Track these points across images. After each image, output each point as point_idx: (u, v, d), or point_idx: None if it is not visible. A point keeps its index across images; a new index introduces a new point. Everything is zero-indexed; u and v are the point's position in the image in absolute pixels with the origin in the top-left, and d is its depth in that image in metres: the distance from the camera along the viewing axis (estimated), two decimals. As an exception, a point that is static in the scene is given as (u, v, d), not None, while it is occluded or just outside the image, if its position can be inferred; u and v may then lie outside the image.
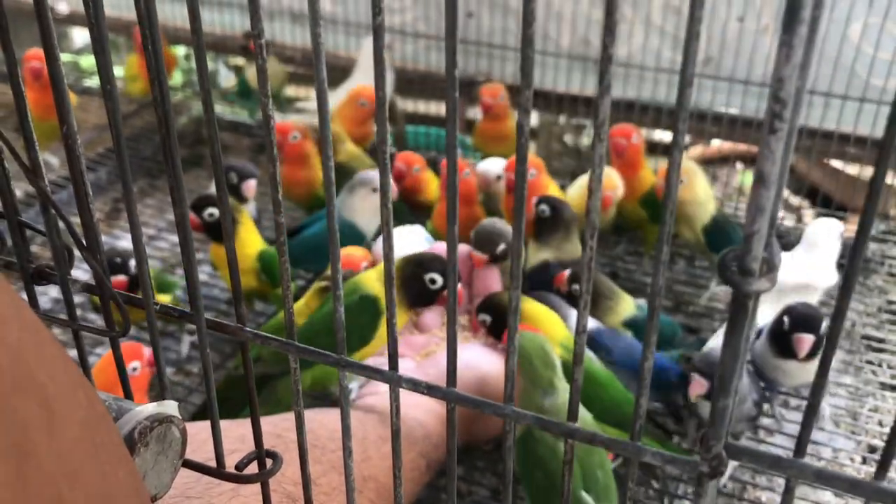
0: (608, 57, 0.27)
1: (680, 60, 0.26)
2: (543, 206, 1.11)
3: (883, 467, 0.31)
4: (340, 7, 1.69)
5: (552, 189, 1.22)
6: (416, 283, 0.87)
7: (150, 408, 0.41)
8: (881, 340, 1.23)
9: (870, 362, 1.19)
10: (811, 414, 0.32)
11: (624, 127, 1.21)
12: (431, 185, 1.29)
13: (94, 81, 2.16)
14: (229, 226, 0.36)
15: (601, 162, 0.29)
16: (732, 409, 0.31)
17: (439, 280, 0.88)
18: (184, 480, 0.50)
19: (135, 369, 0.88)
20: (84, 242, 0.39)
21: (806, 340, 0.89)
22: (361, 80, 1.54)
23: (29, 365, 0.24)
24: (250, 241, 1.09)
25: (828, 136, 1.40)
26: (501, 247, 1.00)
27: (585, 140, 1.90)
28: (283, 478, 0.57)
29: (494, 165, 1.26)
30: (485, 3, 1.57)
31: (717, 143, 1.84)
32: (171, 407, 0.42)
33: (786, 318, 0.92)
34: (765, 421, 1.07)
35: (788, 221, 1.49)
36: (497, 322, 0.91)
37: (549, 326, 0.92)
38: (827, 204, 1.46)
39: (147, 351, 0.89)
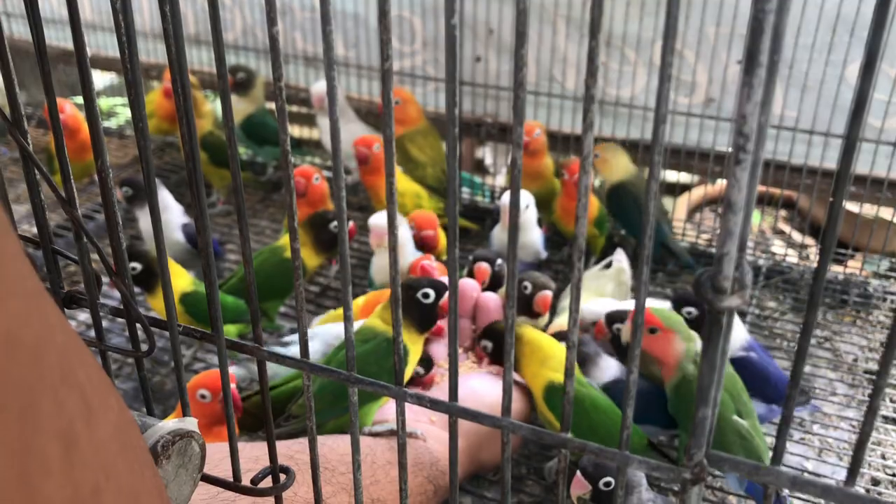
0: (591, 97, 0.30)
1: (682, 101, 0.29)
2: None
3: (852, 473, 0.33)
4: (353, 51, 1.74)
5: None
6: (413, 305, 0.91)
7: (171, 423, 0.44)
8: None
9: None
10: (786, 424, 0.34)
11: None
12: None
13: (111, 122, 2.23)
14: (248, 250, 0.39)
15: (586, 192, 0.32)
16: (713, 420, 0.34)
17: (431, 293, 0.92)
18: (201, 496, 0.53)
19: (203, 397, 0.91)
20: (114, 268, 0.42)
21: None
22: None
23: (72, 364, 0.27)
24: (175, 285, 1.13)
25: (828, 174, 1.43)
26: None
27: (597, 180, 1.93)
28: (296, 497, 0.60)
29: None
30: (492, 47, 1.62)
31: (721, 183, 1.87)
32: (191, 423, 0.45)
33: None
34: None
35: (791, 258, 1.52)
36: (498, 348, 0.95)
37: (551, 350, 0.94)
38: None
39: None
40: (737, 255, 0.30)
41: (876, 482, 1.07)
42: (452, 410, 0.38)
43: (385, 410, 0.95)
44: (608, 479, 0.80)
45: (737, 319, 1.02)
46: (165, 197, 1.35)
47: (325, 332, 1.03)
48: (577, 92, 1.59)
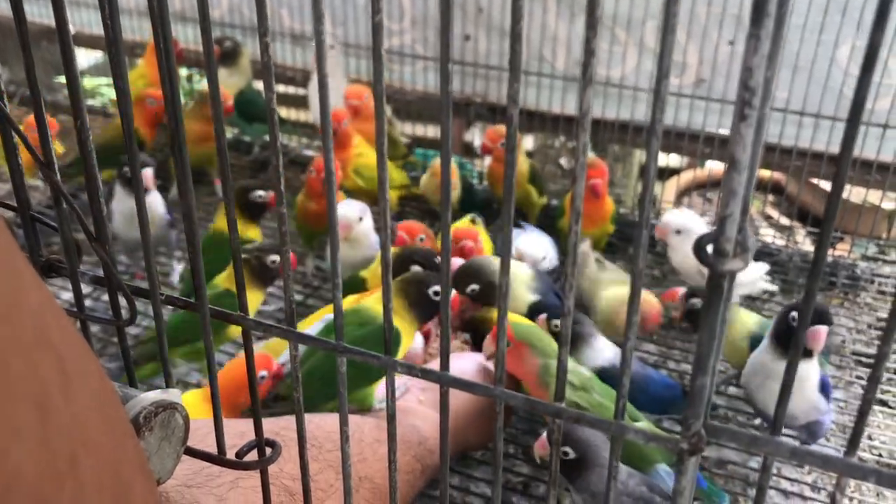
0: (589, 78, 0.29)
1: (673, 82, 0.28)
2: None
3: (853, 444, 0.33)
4: (341, 29, 1.72)
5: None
6: (422, 299, 0.92)
7: (154, 394, 0.42)
8: (871, 356, 1.24)
9: (860, 377, 1.21)
10: (785, 394, 0.33)
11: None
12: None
13: (95, 101, 2.20)
14: (233, 214, 0.38)
15: (580, 196, 0.31)
16: (711, 388, 0.33)
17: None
18: (185, 471, 0.52)
19: (262, 377, 0.92)
20: (94, 234, 0.41)
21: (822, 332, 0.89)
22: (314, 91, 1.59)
23: (48, 328, 0.26)
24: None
25: (818, 156, 1.42)
26: (472, 287, 1.02)
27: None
28: (282, 473, 0.59)
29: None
30: (482, 26, 1.61)
31: (710, 166, 1.87)
32: (174, 395, 0.44)
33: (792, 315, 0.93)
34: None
35: (780, 241, 1.52)
36: (477, 336, 0.95)
37: (537, 335, 0.93)
38: (817, 224, 1.48)
39: (275, 364, 0.93)
40: (740, 216, 0.29)
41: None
42: (444, 380, 0.37)
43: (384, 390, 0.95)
44: (567, 448, 0.80)
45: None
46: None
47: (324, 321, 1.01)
48: (568, 72, 1.58)
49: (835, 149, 1.40)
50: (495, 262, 1.05)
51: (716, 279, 0.30)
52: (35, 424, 0.23)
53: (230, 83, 1.60)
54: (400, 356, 0.94)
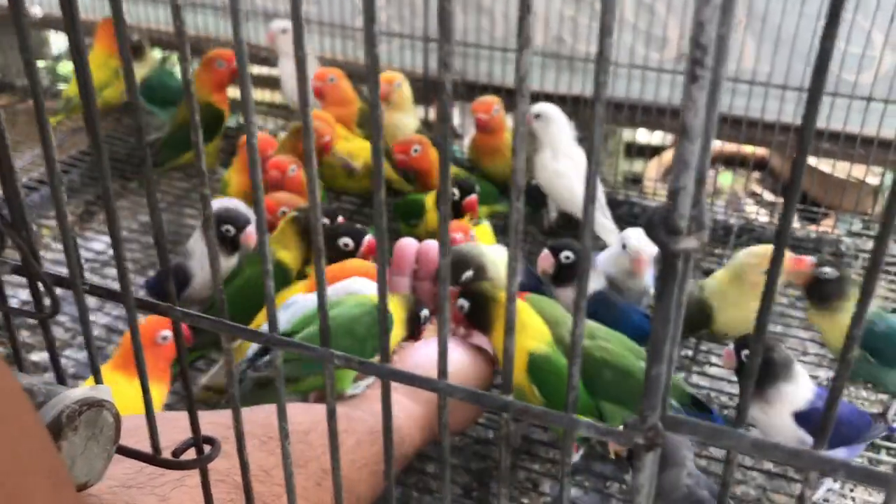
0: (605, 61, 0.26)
1: (654, 57, 0.25)
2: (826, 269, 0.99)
3: (822, 436, 0.30)
4: (315, 7, 1.68)
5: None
6: None
7: (80, 391, 0.39)
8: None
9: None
10: (747, 385, 0.31)
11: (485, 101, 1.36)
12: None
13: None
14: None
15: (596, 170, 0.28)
16: (668, 378, 0.30)
17: None
18: (125, 470, 0.49)
19: (164, 338, 0.90)
20: (8, 218, 0.38)
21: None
22: (288, 66, 1.54)
23: None
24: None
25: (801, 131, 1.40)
26: (467, 274, 0.99)
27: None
28: (233, 469, 0.56)
29: None
30: (458, 2, 1.57)
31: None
32: (103, 391, 0.41)
33: None
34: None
35: (763, 218, 1.49)
36: (476, 308, 0.90)
37: (528, 317, 0.90)
38: (803, 201, 1.46)
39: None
40: (694, 189, 0.27)
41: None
42: (382, 372, 0.34)
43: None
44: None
45: (802, 372, 0.90)
46: None
47: (305, 302, 0.98)
48: (546, 47, 1.54)
49: (818, 123, 1.38)
50: (481, 246, 1.03)
51: (669, 259, 0.27)
52: None
53: (139, 75, 1.56)
54: (394, 342, 0.91)
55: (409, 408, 0.86)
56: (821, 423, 0.30)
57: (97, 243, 1.41)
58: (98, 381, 0.41)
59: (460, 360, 0.93)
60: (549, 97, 1.56)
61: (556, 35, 1.53)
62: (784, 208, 0.28)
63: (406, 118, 1.41)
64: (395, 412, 0.83)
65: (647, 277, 1.08)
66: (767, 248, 1.00)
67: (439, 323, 0.32)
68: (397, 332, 0.90)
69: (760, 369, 0.89)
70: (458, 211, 1.22)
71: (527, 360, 0.88)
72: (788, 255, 1.01)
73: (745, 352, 0.89)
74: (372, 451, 0.75)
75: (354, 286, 0.97)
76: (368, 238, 1.07)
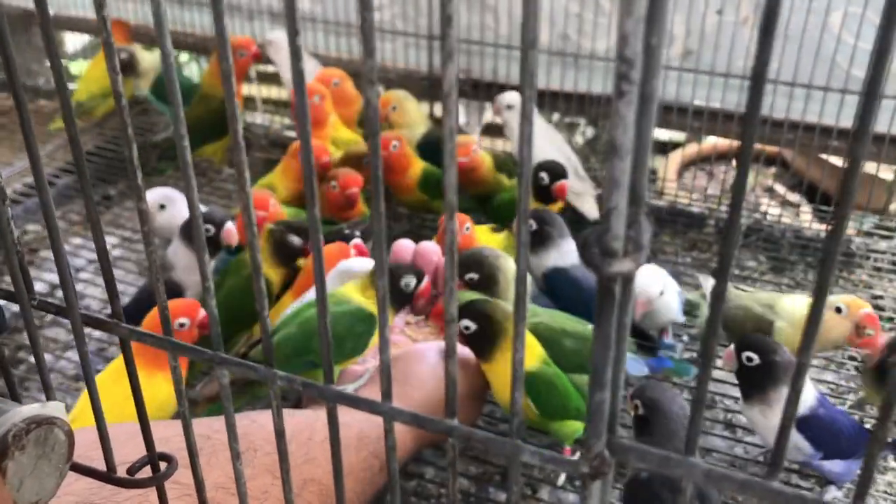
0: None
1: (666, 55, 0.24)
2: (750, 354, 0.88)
3: (774, 465, 0.29)
4: (319, 6, 1.67)
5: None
6: (392, 291, 0.89)
7: (29, 409, 0.39)
8: (864, 336, 1.19)
9: (853, 358, 1.16)
10: (699, 409, 0.29)
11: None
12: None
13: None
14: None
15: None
16: (615, 404, 0.29)
17: (412, 283, 0.92)
18: (88, 485, 0.48)
19: (182, 325, 0.89)
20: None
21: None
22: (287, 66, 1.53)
23: None
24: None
25: (809, 129, 1.37)
26: (471, 276, 0.98)
27: (579, 138, 1.87)
28: (205, 483, 0.55)
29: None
30: (462, 1, 1.55)
31: (712, 141, 1.81)
32: (54, 408, 0.40)
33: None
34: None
35: (786, 219, 1.46)
36: (480, 329, 0.85)
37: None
38: (826, 201, 1.42)
39: (202, 312, 0.90)
40: (629, 209, 0.25)
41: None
42: (327, 395, 0.33)
43: (350, 371, 0.91)
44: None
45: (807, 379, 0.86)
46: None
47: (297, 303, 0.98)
48: (552, 46, 1.52)
49: (828, 120, 1.35)
50: (503, 257, 1.01)
51: (605, 283, 0.26)
52: None
53: (141, 86, 1.55)
54: (373, 342, 0.91)
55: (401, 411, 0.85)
56: (776, 451, 0.29)
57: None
58: (50, 396, 0.40)
59: (459, 362, 0.91)
60: (555, 94, 1.54)
61: (562, 32, 1.51)
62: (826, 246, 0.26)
63: (411, 132, 1.39)
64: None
65: (674, 308, 1.04)
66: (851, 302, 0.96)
67: (381, 343, 0.31)
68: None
69: (763, 371, 0.87)
70: (547, 196, 1.18)
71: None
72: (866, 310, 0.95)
73: (746, 353, 0.87)
74: (359, 458, 0.74)
75: (353, 266, 0.97)
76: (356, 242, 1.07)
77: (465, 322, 0.85)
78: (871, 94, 0.23)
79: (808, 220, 1.43)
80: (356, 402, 0.33)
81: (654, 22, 0.23)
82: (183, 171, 0.32)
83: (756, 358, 0.86)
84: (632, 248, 0.26)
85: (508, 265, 0.99)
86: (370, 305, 0.89)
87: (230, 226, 1.06)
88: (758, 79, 0.24)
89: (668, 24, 0.23)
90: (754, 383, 0.87)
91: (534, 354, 0.88)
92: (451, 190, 0.27)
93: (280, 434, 0.35)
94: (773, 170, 1.86)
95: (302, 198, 1.23)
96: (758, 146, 1.53)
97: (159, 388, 0.86)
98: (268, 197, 1.13)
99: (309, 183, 0.30)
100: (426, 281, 0.94)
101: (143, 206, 0.32)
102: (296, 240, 1.04)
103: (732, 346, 0.88)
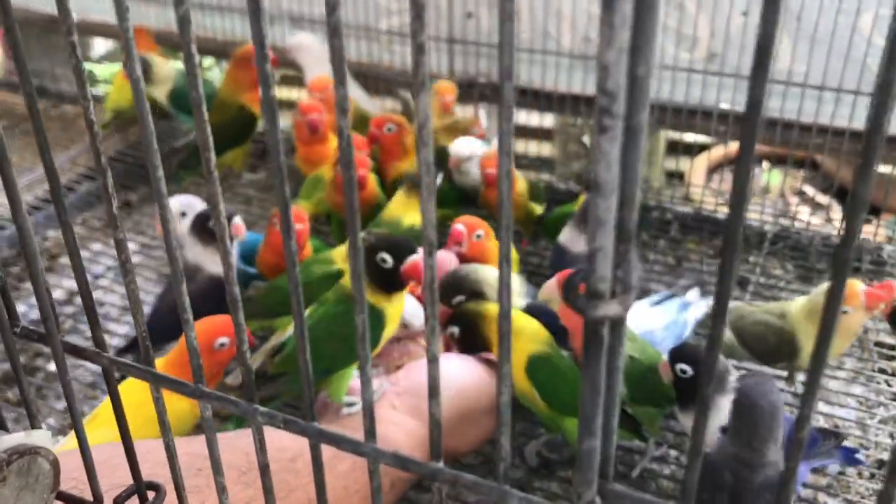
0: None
1: (684, 57, 0.22)
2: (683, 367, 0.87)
3: (684, 498, 0.27)
4: (340, 10, 1.66)
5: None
6: (376, 270, 0.83)
7: (11, 439, 0.38)
8: (894, 348, 1.16)
9: (882, 371, 1.13)
10: (695, 456, 0.27)
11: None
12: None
13: (103, 89, 2.17)
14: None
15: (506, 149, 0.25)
16: (607, 450, 0.27)
17: (389, 259, 0.83)
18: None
19: (223, 345, 0.88)
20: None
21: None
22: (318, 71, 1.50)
23: None
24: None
25: (839, 133, 1.33)
26: (458, 298, 0.96)
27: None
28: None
29: (465, 146, 1.25)
30: (483, 4, 1.53)
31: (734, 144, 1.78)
32: (40, 437, 0.39)
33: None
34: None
35: (816, 220, 1.42)
36: (467, 333, 0.87)
37: (520, 322, 0.87)
38: (842, 197, 1.39)
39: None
40: (617, 247, 0.23)
41: (881, 464, 1.00)
42: (309, 432, 0.31)
43: (357, 384, 0.89)
44: (684, 366, 0.84)
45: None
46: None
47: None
48: (574, 49, 1.50)
49: (858, 125, 1.31)
50: (481, 269, 0.98)
51: (591, 327, 0.24)
52: None
53: (155, 94, 1.53)
54: (390, 328, 0.86)
55: (411, 426, 0.83)
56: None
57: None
58: (34, 425, 0.40)
59: (478, 373, 0.89)
60: (576, 98, 1.52)
61: (584, 35, 1.49)
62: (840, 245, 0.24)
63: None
64: (395, 432, 0.81)
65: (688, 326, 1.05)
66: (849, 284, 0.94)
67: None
68: (394, 318, 0.86)
69: (695, 379, 0.84)
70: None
71: (526, 361, 0.85)
72: (861, 288, 0.95)
73: (680, 366, 0.86)
74: (365, 476, 0.73)
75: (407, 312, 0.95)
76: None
77: (451, 329, 0.89)
78: (883, 94, 0.21)
79: (836, 228, 1.40)
80: (338, 442, 0.31)
81: (641, 52, 0.21)
82: (208, 181, 0.31)
83: (689, 370, 0.84)
84: (620, 290, 0.24)
85: (487, 274, 0.96)
86: (377, 302, 0.86)
87: (238, 221, 1.05)
88: (752, 111, 0.22)
89: (656, 52, 0.22)
90: (689, 393, 0.88)
91: (537, 339, 0.86)
92: (431, 226, 0.25)
93: (265, 470, 0.34)
94: (802, 172, 1.82)
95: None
96: (786, 150, 1.49)
97: (179, 402, 0.86)
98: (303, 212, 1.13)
99: (350, 207, 0.28)
100: (414, 258, 0.84)
101: (120, 236, 0.31)
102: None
103: (666, 358, 0.87)
